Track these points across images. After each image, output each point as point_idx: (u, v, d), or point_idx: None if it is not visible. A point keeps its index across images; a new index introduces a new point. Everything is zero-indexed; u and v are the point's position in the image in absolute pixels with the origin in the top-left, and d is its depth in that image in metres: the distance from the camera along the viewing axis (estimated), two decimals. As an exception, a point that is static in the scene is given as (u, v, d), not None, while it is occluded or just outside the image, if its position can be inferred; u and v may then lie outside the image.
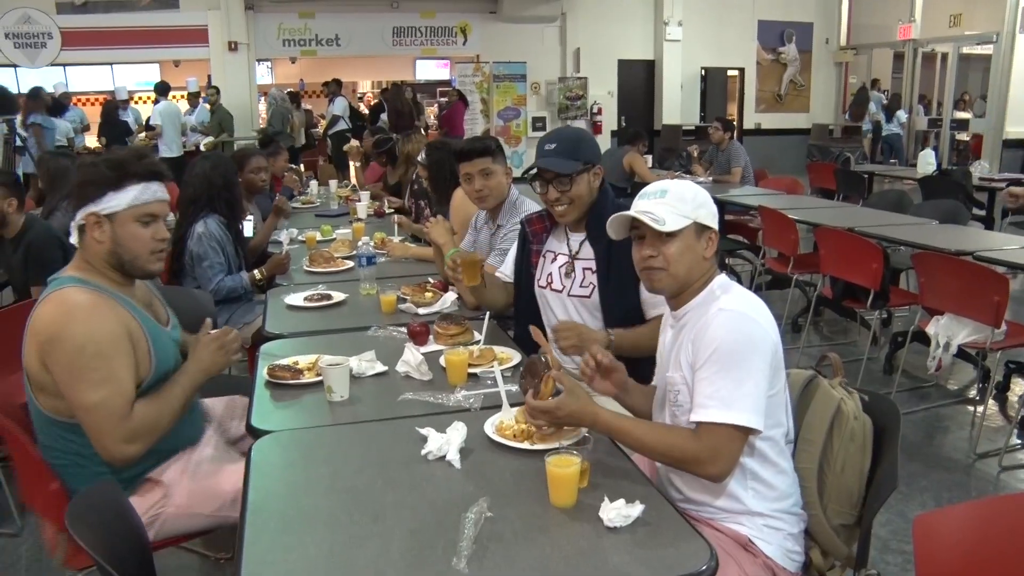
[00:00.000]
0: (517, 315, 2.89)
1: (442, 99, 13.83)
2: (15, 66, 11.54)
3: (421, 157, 4.68)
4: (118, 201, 2.06)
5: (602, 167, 2.62)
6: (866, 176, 8.60)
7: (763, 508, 1.84)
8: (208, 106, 11.32)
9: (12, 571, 3.05)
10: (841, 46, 15.90)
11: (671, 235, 1.85)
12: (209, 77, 12.55)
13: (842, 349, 5.37)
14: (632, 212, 1.89)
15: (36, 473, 2.16)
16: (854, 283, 4.61)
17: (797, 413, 1.93)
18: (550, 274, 2.69)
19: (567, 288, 2.63)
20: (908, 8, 14.43)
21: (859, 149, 12.11)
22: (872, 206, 6.54)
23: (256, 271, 3.87)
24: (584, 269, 2.61)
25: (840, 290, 4.94)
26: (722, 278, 1.90)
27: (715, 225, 1.90)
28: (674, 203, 1.86)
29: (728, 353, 1.73)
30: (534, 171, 2.59)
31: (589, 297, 2.58)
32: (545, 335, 2.75)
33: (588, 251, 2.61)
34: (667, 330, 2.01)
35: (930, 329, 3.93)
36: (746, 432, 1.73)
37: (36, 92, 9.70)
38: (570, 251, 2.66)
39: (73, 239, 2.14)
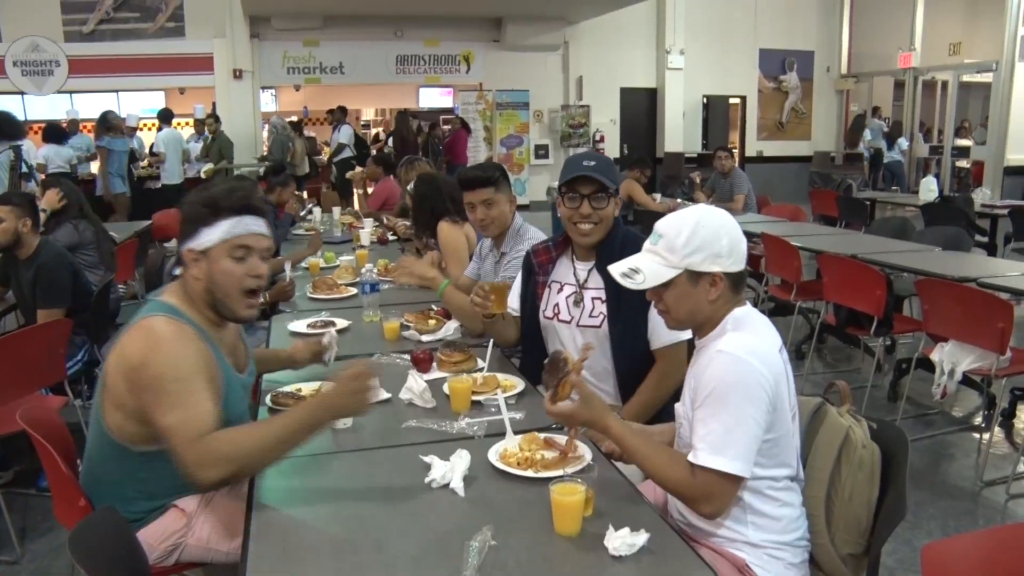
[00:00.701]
0: (523, 343, 2.88)
1: (445, 127, 13.88)
2: (23, 93, 11.63)
3: (410, 187, 4.71)
4: (210, 236, 2.03)
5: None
6: (868, 203, 8.63)
7: (764, 540, 1.83)
8: (210, 135, 11.38)
9: (11, 599, 3.03)
10: (842, 74, 16.00)
11: (665, 284, 1.84)
12: (214, 104, 12.63)
13: (846, 376, 5.35)
14: (615, 272, 1.90)
15: (66, 491, 2.17)
16: (857, 310, 4.60)
17: (805, 441, 1.92)
18: (556, 304, 2.68)
19: (576, 318, 2.62)
20: (908, 37, 14.54)
21: (861, 176, 12.14)
22: (875, 233, 6.55)
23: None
24: (593, 299, 2.59)
25: (843, 317, 4.93)
26: (741, 312, 1.86)
27: (718, 267, 1.80)
28: (664, 252, 1.83)
29: (721, 397, 1.72)
30: (568, 180, 2.51)
31: (600, 327, 2.57)
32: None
33: (597, 280, 2.59)
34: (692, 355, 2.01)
35: (935, 356, 3.92)
36: (739, 479, 1.72)
37: (104, 117, 10.09)
38: (578, 281, 2.64)
39: (178, 271, 2.12)
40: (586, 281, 2.62)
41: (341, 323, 3.30)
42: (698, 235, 1.81)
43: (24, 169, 8.11)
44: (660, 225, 1.89)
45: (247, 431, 1.94)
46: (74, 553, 1.58)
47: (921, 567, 1.52)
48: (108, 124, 10.03)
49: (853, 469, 1.89)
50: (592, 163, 2.52)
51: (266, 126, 13.64)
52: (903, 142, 14.14)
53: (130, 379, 1.94)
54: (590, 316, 2.59)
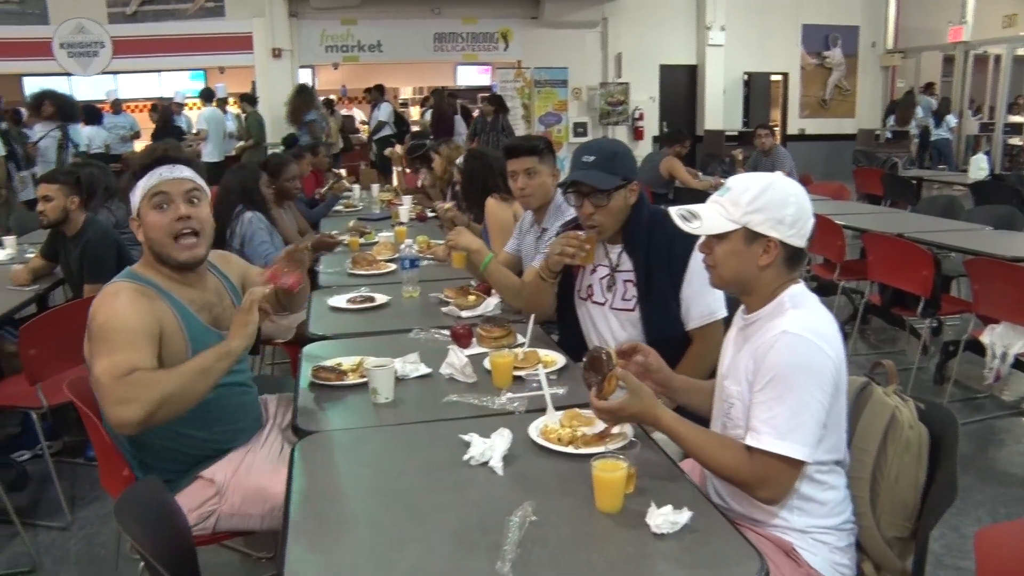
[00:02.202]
0: (560, 321, 2.87)
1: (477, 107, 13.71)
2: (68, 74, 11.80)
3: (459, 162, 4.74)
4: (136, 198, 2.17)
5: (639, 182, 2.57)
6: (914, 182, 8.45)
7: (809, 524, 1.80)
8: (242, 114, 11.47)
9: (62, 563, 3.10)
10: (888, 49, 15.63)
11: (719, 236, 1.80)
12: (253, 84, 12.70)
13: (890, 358, 5.22)
14: (676, 209, 1.86)
15: (111, 460, 2.22)
16: (903, 290, 4.51)
17: (850, 421, 1.87)
18: (590, 286, 2.66)
19: (609, 301, 2.60)
20: (959, 9, 14.13)
21: (907, 154, 11.87)
22: (921, 212, 6.41)
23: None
24: (625, 282, 2.57)
25: (889, 297, 4.84)
26: (797, 288, 1.82)
27: (776, 234, 1.76)
28: (726, 204, 1.80)
29: (787, 380, 1.67)
30: (569, 183, 2.53)
31: (633, 311, 2.54)
32: (585, 348, 2.72)
33: (627, 263, 2.57)
34: (734, 329, 1.96)
35: (985, 338, 3.83)
36: (800, 463, 1.69)
37: (304, 88, 10.65)
38: (611, 263, 2.62)
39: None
40: (618, 264, 2.60)
41: (381, 298, 3.30)
42: (766, 195, 1.77)
43: (71, 149, 8.27)
44: (731, 180, 1.86)
45: (165, 372, 2.00)
46: (120, 521, 1.61)
47: (975, 552, 1.48)
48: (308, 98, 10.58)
49: (900, 450, 1.84)
50: (591, 159, 2.48)
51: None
52: (951, 119, 13.78)
53: (87, 333, 2.04)
54: (623, 299, 2.57)
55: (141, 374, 1.94)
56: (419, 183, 6.91)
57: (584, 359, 1.91)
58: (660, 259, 2.49)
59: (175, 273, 2.19)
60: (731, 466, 1.74)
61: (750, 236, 1.78)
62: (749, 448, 1.71)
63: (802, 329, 1.70)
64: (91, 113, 10.20)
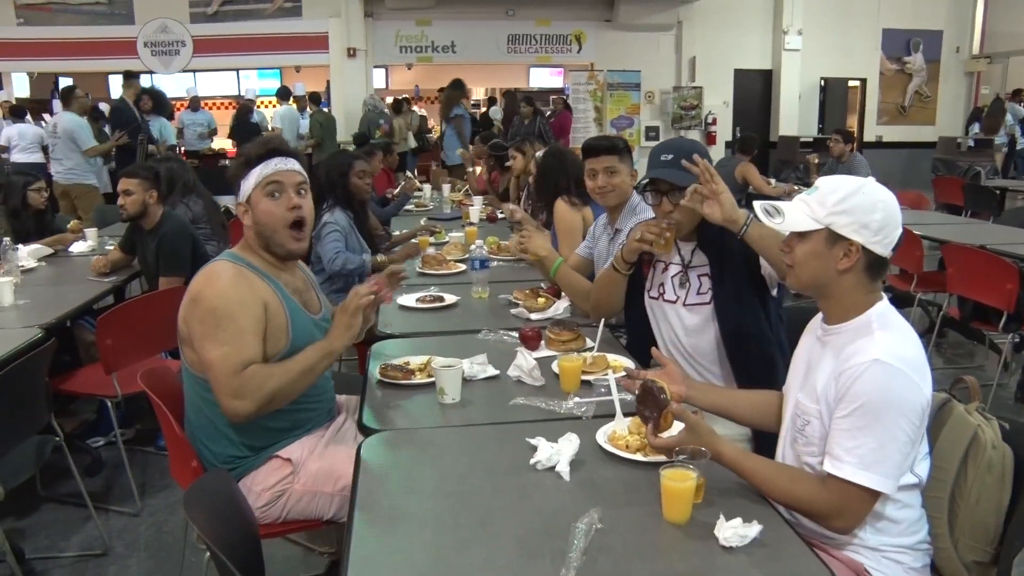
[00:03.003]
0: (628, 324, 2.85)
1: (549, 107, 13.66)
2: (152, 72, 12.18)
3: (537, 155, 4.74)
4: (248, 185, 2.24)
5: None
6: (998, 192, 8.16)
7: (882, 543, 1.74)
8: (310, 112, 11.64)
9: (132, 548, 3.19)
10: (974, 55, 15.13)
11: (800, 235, 1.75)
12: (328, 83, 12.92)
13: (969, 373, 5.07)
14: (760, 203, 1.81)
15: (180, 451, 2.28)
16: (984, 304, 4.36)
17: (929, 439, 1.81)
18: (662, 284, 2.65)
19: (682, 298, 2.59)
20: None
21: (990, 164, 11.46)
22: (1005, 223, 6.18)
23: (379, 255, 4.10)
24: (700, 276, 2.56)
25: (969, 311, 4.68)
26: (883, 306, 1.75)
27: (860, 239, 1.69)
28: (812, 203, 1.74)
29: (877, 411, 1.61)
30: (646, 181, 2.54)
31: (708, 304, 2.53)
32: (654, 346, 2.70)
33: (701, 258, 2.56)
34: (809, 336, 1.91)
35: (1072, 355, 3.67)
36: (878, 494, 1.64)
37: (457, 82, 10.87)
38: (683, 261, 2.60)
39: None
40: (691, 260, 2.58)
41: (450, 298, 3.32)
42: (854, 198, 1.71)
43: (153, 145, 8.54)
44: (821, 180, 1.80)
45: (272, 368, 2.14)
46: (188, 511, 1.64)
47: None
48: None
49: (981, 471, 1.77)
50: (670, 157, 2.48)
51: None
52: (1039, 128, 13.27)
53: (187, 310, 2.15)
54: (698, 294, 2.55)
55: (254, 369, 2.09)
56: (498, 186, 6.91)
57: (637, 393, 1.88)
58: (734, 252, 2.47)
59: (274, 259, 2.29)
60: (804, 499, 1.69)
61: (832, 238, 1.72)
62: (828, 475, 1.65)
63: (895, 359, 1.63)
64: (161, 104, 10.42)
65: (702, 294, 2.54)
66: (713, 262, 2.53)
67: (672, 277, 2.62)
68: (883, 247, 1.72)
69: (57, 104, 9.97)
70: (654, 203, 2.55)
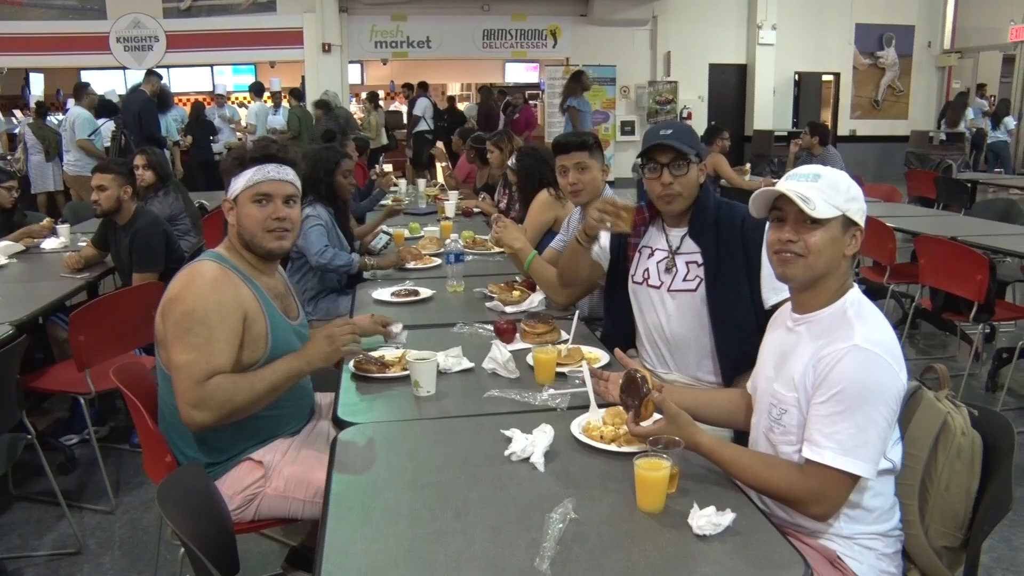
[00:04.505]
0: (608, 311, 2.85)
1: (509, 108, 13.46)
2: (124, 68, 12.05)
3: (511, 162, 4.71)
4: (237, 185, 2.22)
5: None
6: (969, 185, 8.26)
7: (855, 531, 1.76)
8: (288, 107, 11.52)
9: (106, 546, 3.16)
10: (945, 49, 15.30)
11: (816, 222, 1.72)
12: (303, 78, 12.84)
13: (941, 363, 5.14)
14: (783, 188, 1.76)
15: (154, 447, 2.26)
16: (956, 295, 4.41)
17: (900, 426, 1.83)
18: (647, 270, 2.62)
19: (667, 284, 2.56)
20: (1023, 8, 13.76)
21: (961, 157, 11.60)
22: (976, 215, 6.25)
23: (367, 258, 4.00)
24: (688, 263, 2.54)
25: (940, 302, 4.73)
26: (855, 294, 1.77)
27: (863, 222, 1.76)
28: (826, 190, 1.73)
29: (855, 396, 1.63)
30: (646, 151, 2.49)
31: (695, 291, 2.51)
32: (636, 333, 2.70)
33: (691, 245, 2.54)
34: (778, 329, 1.92)
35: (1041, 345, 3.72)
36: (857, 479, 1.66)
37: (578, 74, 10.72)
38: (670, 246, 2.59)
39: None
40: (679, 247, 2.56)
41: (425, 292, 3.31)
42: (852, 187, 1.75)
43: (123, 141, 8.48)
44: (810, 167, 1.80)
45: (237, 381, 2.09)
46: (162, 506, 1.63)
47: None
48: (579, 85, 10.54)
49: (951, 458, 1.79)
50: (669, 131, 2.48)
51: (354, 99, 13.77)
52: (1010, 121, 13.42)
53: (163, 309, 2.11)
54: (684, 280, 2.53)
55: (220, 380, 2.05)
56: (475, 182, 6.91)
57: (621, 382, 1.89)
58: (732, 242, 2.47)
59: (256, 261, 2.26)
60: (783, 486, 1.70)
61: (846, 225, 1.74)
62: (807, 461, 1.67)
63: (874, 345, 1.65)
64: (105, 107, 10.35)
65: (688, 281, 2.53)
66: (707, 250, 2.50)
67: (658, 263, 2.60)
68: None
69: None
70: (652, 176, 2.49)
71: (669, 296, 2.56)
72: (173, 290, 2.12)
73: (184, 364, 2.03)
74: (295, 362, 2.17)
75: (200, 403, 2.03)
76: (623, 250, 2.70)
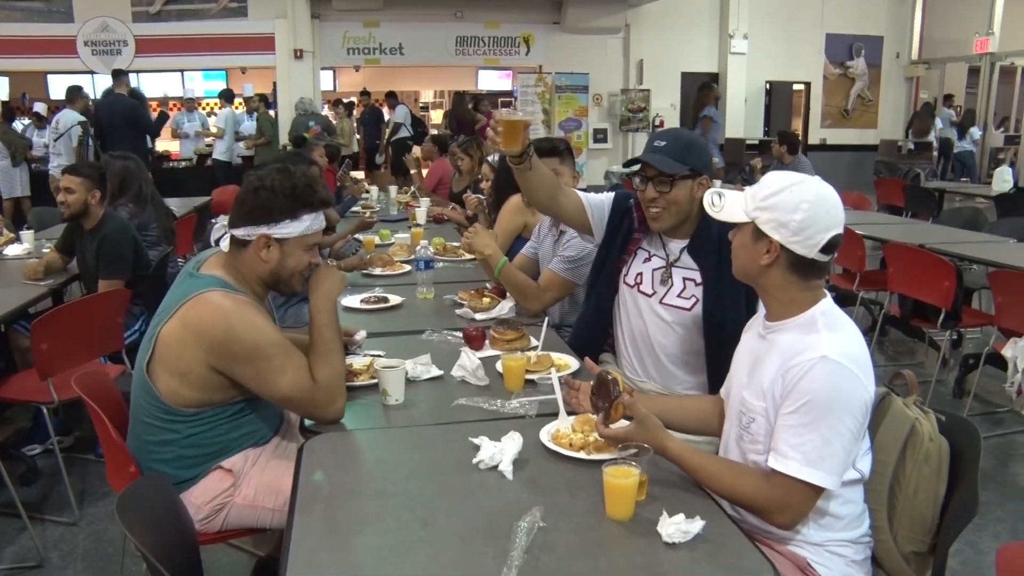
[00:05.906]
0: (587, 305, 2.78)
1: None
2: (92, 72, 11.90)
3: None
4: (292, 229, 2.14)
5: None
6: (936, 193, 8.37)
7: (825, 538, 1.76)
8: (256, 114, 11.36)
9: (69, 559, 3.10)
10: (913, 60, 15.51)
11: (736, 225, 1.81)
12: (275, 85, 12.76)
13: (909, 370, 5.18)
14: (711, 190, 1.87)
15: (117, 457, 2.20)
16: (923, 302, 4.45)
17: (870, 434, 1.83)
18: (640, 274, 2.56)
19: (659, 295, 2.51)
20: (986, 20, 13.99)
21: (929, 166, 11.76)
22: (944, 223, 6.35)
23: (332, 261, 3.95)
24: (685, 280, 2.48)
25: (908, 309, 4.78)
26: (827, 304, 1.76)
27: (778, 237, 1.70)
28: (747, 195, 1.78)
29: (822, 408, 1.62)
30: (637, 166, 2.45)
31: (689, 311, 2.46)
32: (611, 334, 2.66)
33: (689, 261, 2.49)
34: (751, 334, 1.91)
35: (1007, 351, 3.76)
36: (821, 490, 1.65)
37: (706, 84, 10.91)
38: (667, 256, 2.54)
39: (224, 246, 2.25)
40: (677, 259, 2.51)
41: (394, 299, 3.29)
42: (779, 196, 1.72)
43: (90, 144, 8.38)
44: (767, 175, 1.82)
45: (324, 357, 2.13)
46: (122, 517, 1.59)
47: (996, 570, 1.43)
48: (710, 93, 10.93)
49: (919, 463, 1.80)
50: (663, 143, 2.42)
51: (327, 106, 13.71)
52: (975, 131, 13.64)
53: (216, 352, 2.02)
54: (679, 296, 2.47)
55: (320, 373, 2.10)
56: (447, 190, 6.93)
57: (592, 383, 1.87)
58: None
59: (262, 290, 2.24)
60: (748, 493, 1.70)
61: (756, 233, 1.75)
62: (772, 471, 1.66)
63: (842, 357, 1.63)
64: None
65: (683, 298, 2.47)
66: (707, 271, 2.44)
67: (654, 270, 2.54)
68: (805, 248, 1.71)
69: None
70: (640, 188, 2.45)
71: (661, 307, 2.51)
72: (214, 329, 2.01)
73: (291, 387, 2.06)
74: (325, 304, 2.20)
75: (329, 398, 2.09)
76: (618, 245, 2.62)
